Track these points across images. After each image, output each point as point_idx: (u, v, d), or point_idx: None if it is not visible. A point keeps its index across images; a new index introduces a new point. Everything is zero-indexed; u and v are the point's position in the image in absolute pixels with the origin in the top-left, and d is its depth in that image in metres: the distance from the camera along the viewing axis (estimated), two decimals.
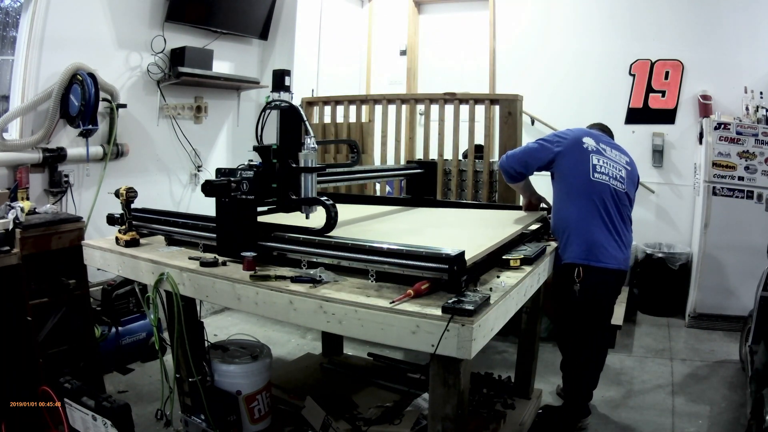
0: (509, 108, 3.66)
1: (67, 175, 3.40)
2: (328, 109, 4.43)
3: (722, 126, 4.15)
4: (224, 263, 1.99)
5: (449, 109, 3.89)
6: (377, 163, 4.18)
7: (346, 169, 2.65)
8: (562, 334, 2.84)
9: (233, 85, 4.49)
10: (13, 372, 2.57)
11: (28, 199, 3.05)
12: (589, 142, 2.59)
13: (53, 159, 3.30)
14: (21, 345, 2.61)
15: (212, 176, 2.07)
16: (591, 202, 2.51)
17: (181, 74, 3.90)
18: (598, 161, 2.56)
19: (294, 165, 2.00)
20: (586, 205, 2.51)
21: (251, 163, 2.02)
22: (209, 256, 2.05)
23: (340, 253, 1.84)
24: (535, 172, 2.69)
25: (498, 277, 1.87)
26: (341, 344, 3.37)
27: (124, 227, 2.32)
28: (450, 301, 1.50)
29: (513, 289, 1.78)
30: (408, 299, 1.58)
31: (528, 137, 4.44)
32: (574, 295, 2.50)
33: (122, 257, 2.22)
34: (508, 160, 2.67)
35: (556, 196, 2.62)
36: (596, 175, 2.53)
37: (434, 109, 3.94)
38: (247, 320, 4.23)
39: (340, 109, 4.32)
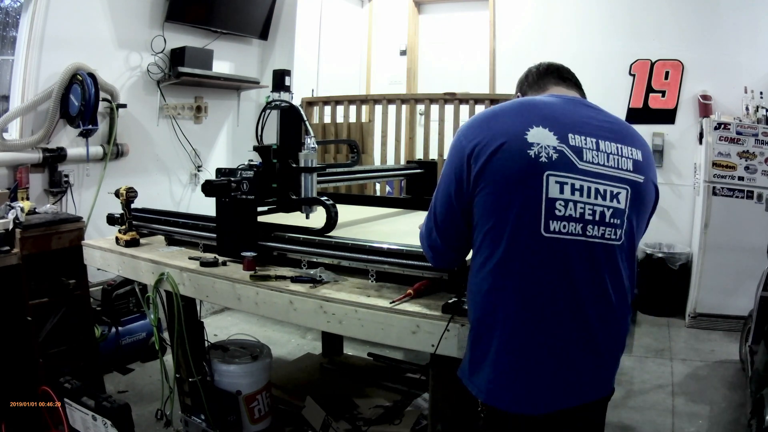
0: None
1: (67, 175, 3.40)
2: (328, 109, 4.43)
3: (722, 126, 4.15)
4: (224, 263, 1.99)
5: (449, 109, 3.89)
6: (377, 163, 4.19)
7: (346, 169, 2.65)
8: None
9: (233, 85, 4.49)
10: (13, 372, 2.57)
11: (28, 199, 3.05)
12: (541, 139, 1.19)
13: (53, 159, 3.29)
14: (21, 345, 2.61)
15: (212, 176, 2.07)
16: (530, 282, 1.20)
17: (181, 74, 3.90)
18: (564, 190, 1.18)
19: (294, 165, 2.00)
20: (519, 285, 1.20)
21: (251, 163, 2.02)
22: (209, 256, 2.05)
23: (340, 253, 1.84)
24: None
25: None
26: (341, 344, 3.37)
27: (124, 227, 2.32)
28: (450, 301, 1.50)
29: None
30: (408, 299, 1.58)
31: None
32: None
33: (122, 257, 2.22)
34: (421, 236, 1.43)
35: (473, 256, 1.30)
36: (554, 225, 1.18)
37: (434, 109, 3.94)
38: (247, 320, 4.23)
39: (340, 109, 4.32)
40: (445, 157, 4.02)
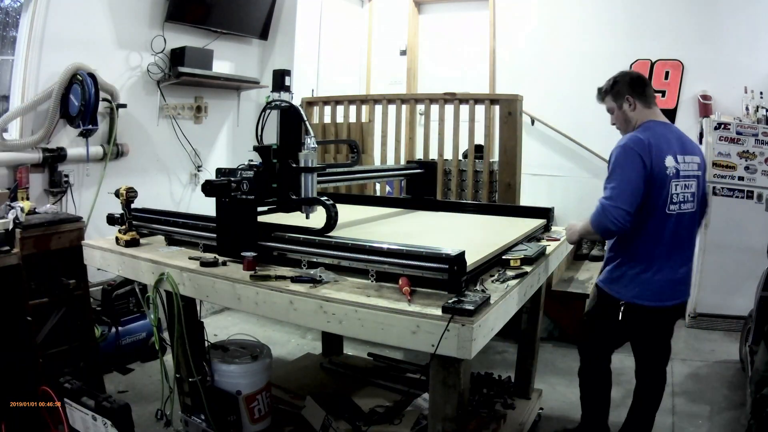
0: (509, 108, 3.66)
1: (67, 175, 3.40)
2: (328, 109, 4.43)
3: (722, 126, 4.15)
4: (224, 263, 1.99)
5: (449, 109, 3.89)
6: (377, 163, 4.18)
7: (346, 169, 2.65)
8: (585, 343, 2.55)
9: (233, 85, 4.49)
10: (13, 372, 2.57)
11: (28, 199, 3.05)
12: (670, 163, 2.16)
13: (53, 159, 3.29)
14: (21, 345, 2.60)
15: (212, 176, 2.07)
16: (657, 235, 2.20)
17: (181, 74, 3.90)
18: (676, 188, 2.18)
19: (294, 165, 2.00)
20: (652, 239, 2.20)
21: (251, 163, 2.02)
22: (209, 256, 2.05)
23: (340, 253, 1.84)
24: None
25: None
26: (341, 344, 3.37)
27: (124, 227, 2.32)
28: (450, 301, 1.50)
29: (513, 289, 1.78)
30: (410, 295, 1.59)
31: (528, 137, 4.44)
32: (614, 323, 2.29)
33: (122, 257, 2.22)
34: (607, 212, 2.08)
35: None
36: (671, 207, 2.18)
37: (434, 109, 3.94)
38: (247, 320, 4.24)
39: (340, 109, 4.32)
40: (446, 157, 4.03)
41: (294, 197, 2.01)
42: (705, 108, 4.61)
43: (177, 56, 3.94)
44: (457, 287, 1.61)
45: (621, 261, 2.28)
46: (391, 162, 4.18)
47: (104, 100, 3.51)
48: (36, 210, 2.93)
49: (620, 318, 2.26)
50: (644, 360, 2.54)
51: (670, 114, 4.80)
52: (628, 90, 2.29)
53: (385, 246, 1.76)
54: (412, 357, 3.34)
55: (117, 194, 2.36)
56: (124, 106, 3.69)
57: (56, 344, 2.86)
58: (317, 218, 2.00)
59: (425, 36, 5.82)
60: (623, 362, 3.60)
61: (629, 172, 2.11)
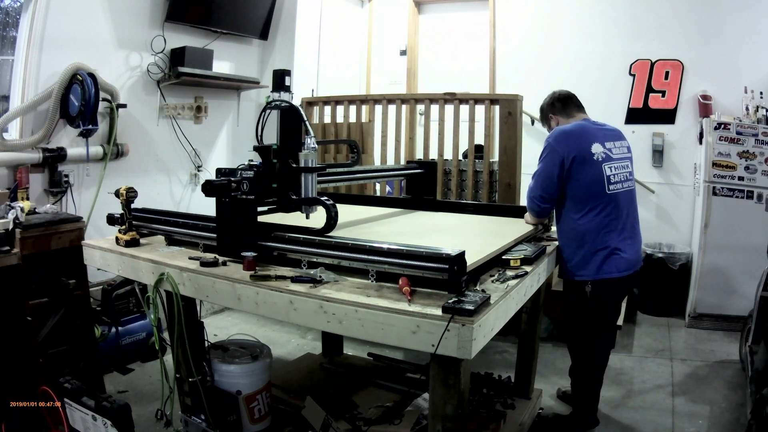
0: (509, 108, 3.66)
1: (67, 175, 3.40)
2: (328, 109, 4.43)
3: (722, 126, 4.15)
4: (224, 263, 1.99)
5: (449, 109, 3.89)
6: (377, 163, 4.19)
7: (346, 169, 2.65)
8: (573, 339, 2.76)
9: (233, 85, 4.49)
10: (13, 372, 2.57)
11: (28, 199, 3.05)
12: (597, 150, 2.45)
13: (53, 159, 3.29)
14: (21, 345, 2.61)
15: (212, 176, 2.07)
16: (608, 215, 2.46)
17: (181, 74, 3.89)
18: (611, 170, 2.47)
19: (294, 165, 2.00)
20: (603, 219, 2.45)
21: (251, 163, 2.02)
22: (209, 256, 2.05)
23: (340, 253, 1.84)
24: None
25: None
26: (341, 344, 3.37)
27: (124, 227, 2.32)
28: (450, 301, 1.50)
29: (513, 289, 1.78)
30: (410, 295, 1.59)
31: (528, 137, 4.44)
32: (585, 302, 2.54)
33: (122, 257, 2.22)
34: (529, 197, 2.53)
35: (569, 210, 2.51)
36: (611, 187, 2.45)
37: (434, 109, 3.94)
38: (247, 320, 4.24)
39: (340, 109, 4.32)
40: (446, 157, 4.04)
41: (294, 197, 2.01)
42: (705, 108, 4.61)
43: (177, 56, 3.94)
44: (457, 287, 1.61)
45: (578, 245, 2.49)
46: (391, 162, 4.18)
47: (104, 100, 3.51)
48: (36, 210, 2.93)
49: (588, 295, 2.51)
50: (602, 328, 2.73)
51: (670, 114, 4.80)
52: (549, 110, 2.71)
53: (385, 246, 1.76)
54: (412, 357, 3.34)
55: (117, 194, 2.36)
56: (124, 106, 3.69)
57: (56, 344, 2.86)
58: (317, 218, 2.00)
59: (425, 36, 5.82)
60: (623, 362, 3.62)
61: (547, 166, 2.47)
